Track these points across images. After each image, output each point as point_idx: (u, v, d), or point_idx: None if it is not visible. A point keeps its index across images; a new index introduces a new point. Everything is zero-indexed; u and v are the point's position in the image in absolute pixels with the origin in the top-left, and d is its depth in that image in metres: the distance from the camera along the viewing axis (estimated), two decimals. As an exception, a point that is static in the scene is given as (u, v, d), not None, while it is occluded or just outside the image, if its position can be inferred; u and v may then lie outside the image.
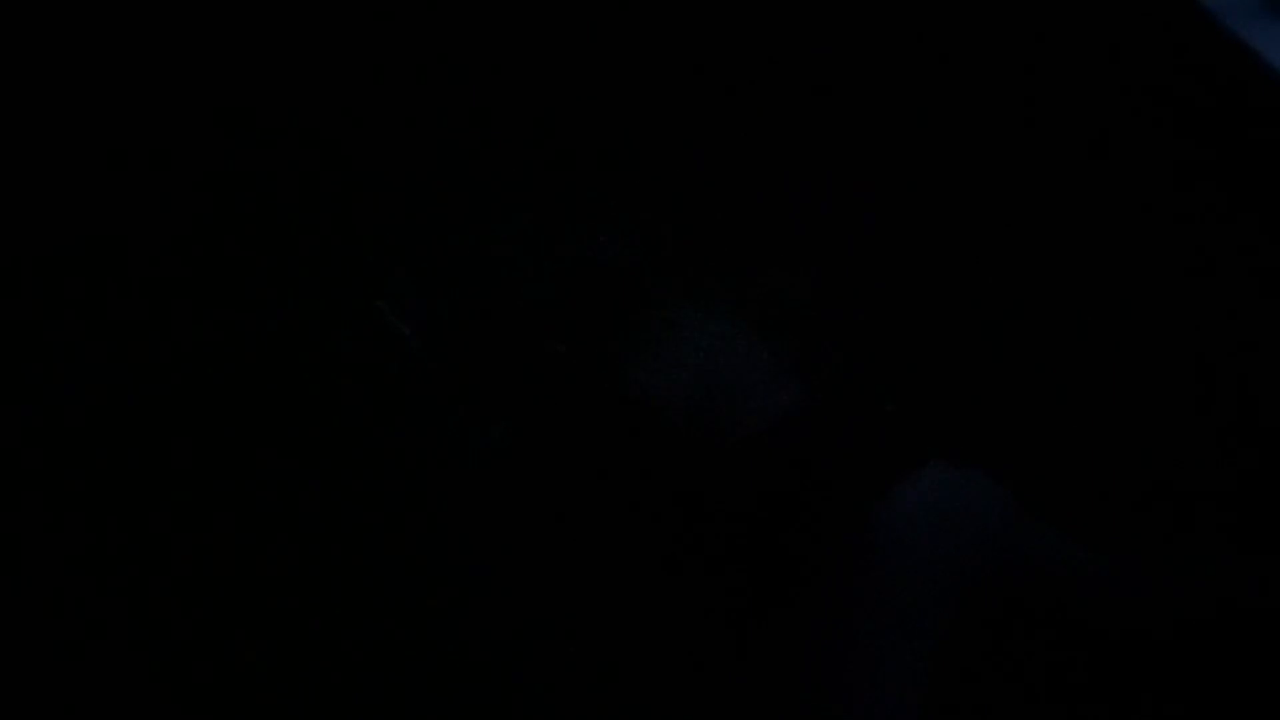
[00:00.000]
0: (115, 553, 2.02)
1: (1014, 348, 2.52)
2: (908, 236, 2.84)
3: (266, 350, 2.42)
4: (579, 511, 2.08)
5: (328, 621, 1.99)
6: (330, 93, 2.34)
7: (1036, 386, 2.44)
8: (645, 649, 1.96)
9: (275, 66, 2.36)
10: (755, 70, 3.20)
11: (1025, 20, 3.12)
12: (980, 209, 2.90)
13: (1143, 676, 1.77)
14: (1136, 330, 2.57)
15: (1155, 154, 2.90)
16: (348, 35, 2.38)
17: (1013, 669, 1.78)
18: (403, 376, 2.26)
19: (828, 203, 2.91)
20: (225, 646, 1.93)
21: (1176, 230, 2.78)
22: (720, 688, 1.86)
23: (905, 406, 2.11)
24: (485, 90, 3.05)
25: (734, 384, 1.95)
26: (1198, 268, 2.66)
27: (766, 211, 2.91)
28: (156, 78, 2.21)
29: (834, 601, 1.67)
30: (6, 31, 2.26)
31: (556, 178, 2.99)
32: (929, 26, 3.13)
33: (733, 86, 3.22)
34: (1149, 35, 2.84)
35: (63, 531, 2.02)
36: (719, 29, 3.13)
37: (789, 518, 1.77)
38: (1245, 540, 2.05)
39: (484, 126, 3.06)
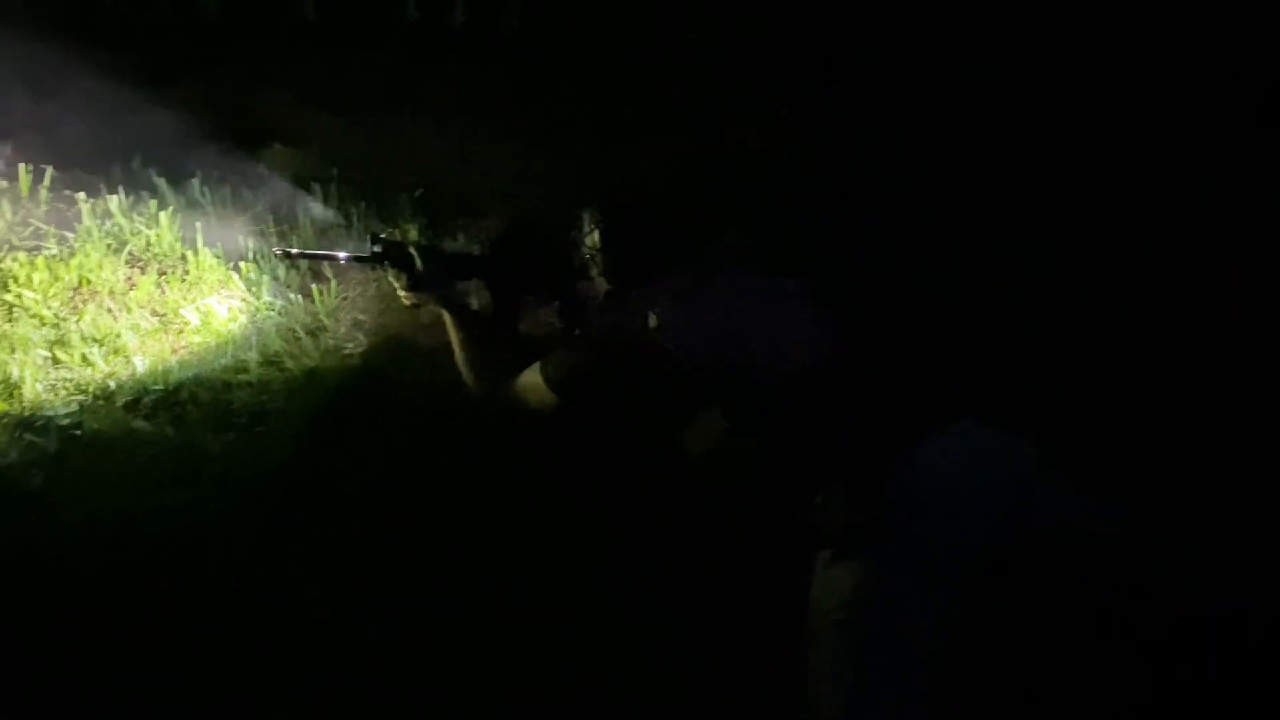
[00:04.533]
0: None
1: (1042, 310, 2.52)
2: (942, 197, 2.83)
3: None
4: (619, 461, 2.09)
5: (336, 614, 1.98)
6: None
7: (1064, 348, 2.44)
8: (691, 584, 1.97)
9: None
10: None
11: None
12: (1009, 172, 2.88)
13: (1147, 621, 1.78)
14: (1160, 296, 2.55)
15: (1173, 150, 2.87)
16: None
17: (1030, 611, 1.80)
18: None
19: (868, 159, 2.89)
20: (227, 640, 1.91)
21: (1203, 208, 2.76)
22: (762, 623, 1.87)
23: (935, 363, 2.11)
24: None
25: (771, 334, 1.95)
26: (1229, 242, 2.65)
27: (807, 168, 2.90)
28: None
29: (867, 547, 1.68)
30: None
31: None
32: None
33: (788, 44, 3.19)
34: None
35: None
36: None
37: (821, 466, 1.77)
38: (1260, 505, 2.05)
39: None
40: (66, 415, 2.18)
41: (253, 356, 2.34)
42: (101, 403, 2.22)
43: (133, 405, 2.23)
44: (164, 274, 2.53)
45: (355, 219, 2.66)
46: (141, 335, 2.38)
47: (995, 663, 1.77)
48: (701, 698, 1.85)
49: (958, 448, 1.75)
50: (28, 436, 2.13)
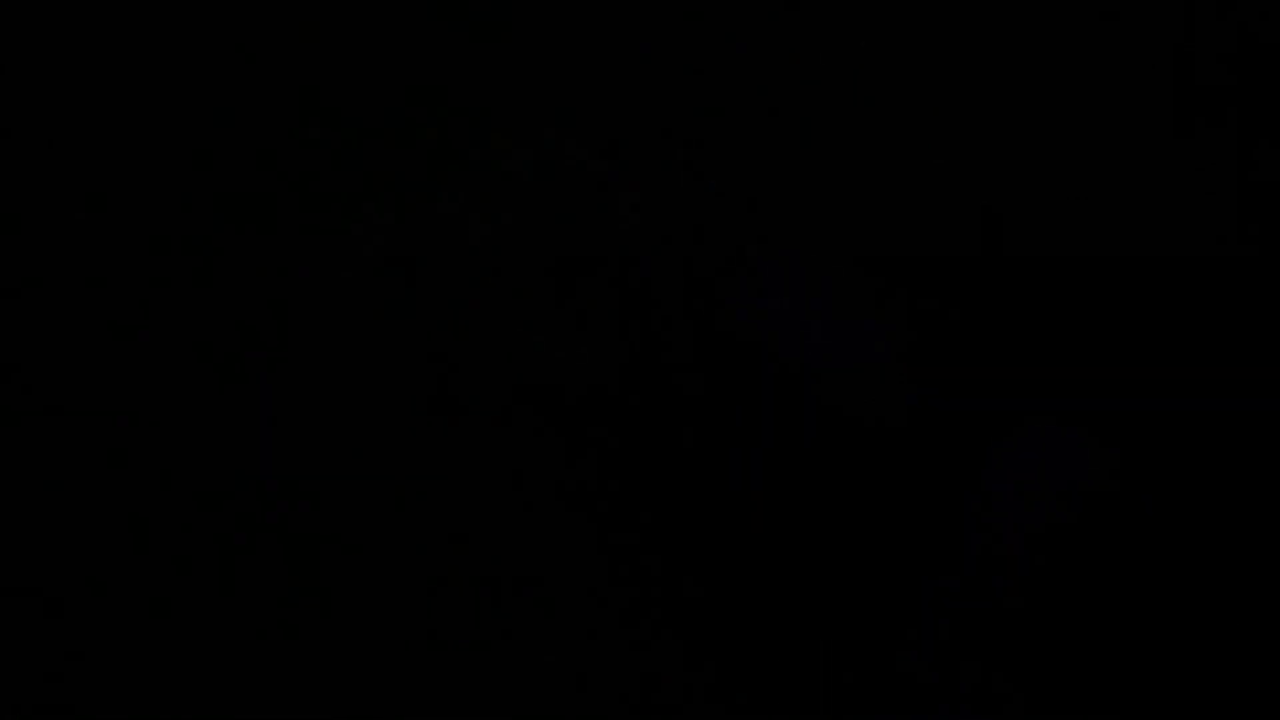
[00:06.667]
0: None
1: (1119, 310, 2.47)
2: (1018, 205, 2.79)
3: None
4: (685, 457, 2.07)
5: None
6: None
7: (1141, 354, 2.39)
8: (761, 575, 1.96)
9: None
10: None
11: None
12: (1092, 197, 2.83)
13: (1226, 637, 1.76)
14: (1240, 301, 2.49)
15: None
16: None
17: (1098, 620, 1.78)
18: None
19: (937, 165, 2.87)
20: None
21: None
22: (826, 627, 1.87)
23: (1011, 366, 2.09)
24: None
25: (841, 337, 1.95)
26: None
27: (878, 170, 2.88)
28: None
29: (936, 550, 1.69)
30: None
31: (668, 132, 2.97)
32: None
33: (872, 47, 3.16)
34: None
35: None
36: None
37: (892, 466, 1.78)
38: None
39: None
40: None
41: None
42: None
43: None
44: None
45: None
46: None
47: (1068, 663, 1.77)
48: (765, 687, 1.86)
49: (1030, 455, 1.76)
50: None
